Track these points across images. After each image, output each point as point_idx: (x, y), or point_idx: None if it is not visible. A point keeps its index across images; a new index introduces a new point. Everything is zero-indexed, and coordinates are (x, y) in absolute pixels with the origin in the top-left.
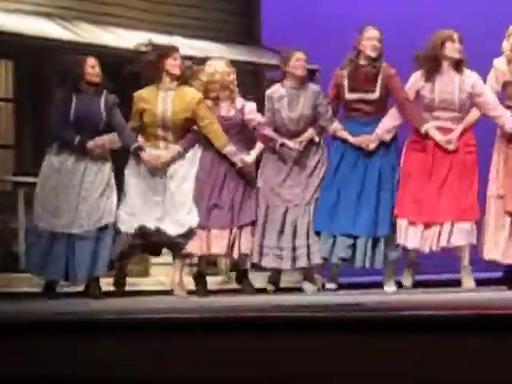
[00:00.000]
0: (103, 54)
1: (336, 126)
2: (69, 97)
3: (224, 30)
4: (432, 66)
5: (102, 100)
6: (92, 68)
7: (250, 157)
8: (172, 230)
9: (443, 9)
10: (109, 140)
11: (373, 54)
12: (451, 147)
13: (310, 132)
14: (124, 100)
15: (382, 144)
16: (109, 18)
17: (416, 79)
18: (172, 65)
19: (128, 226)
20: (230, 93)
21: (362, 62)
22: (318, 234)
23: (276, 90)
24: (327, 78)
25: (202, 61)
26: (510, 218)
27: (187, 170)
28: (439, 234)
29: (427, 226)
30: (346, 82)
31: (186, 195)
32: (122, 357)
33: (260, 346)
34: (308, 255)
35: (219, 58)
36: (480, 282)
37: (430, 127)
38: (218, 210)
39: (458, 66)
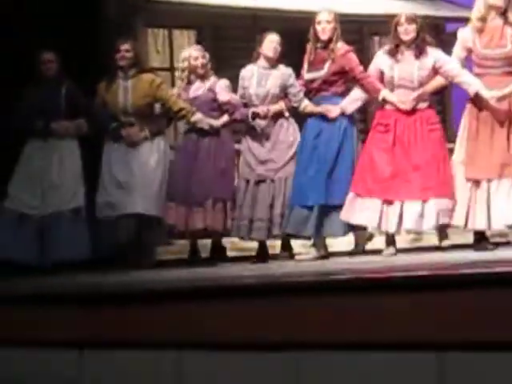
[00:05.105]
0: (281, 18)
1: (305, 104)
2: (34, 92)
3: None
4: (390, 49)
5: (63, 89)
6: (44, 64)
7: (218, 121)
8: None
9: None
10: (74, 125)
11: (323, 37)
12: (404, 106)
13: (280, 104)
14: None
15: (345, 124)
16: None
17: (378, 57)
18: (118, 57)
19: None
20: (199, 74)
21: (318, 44)
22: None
23: (249, 69)
24: None
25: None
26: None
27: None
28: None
29: (388, 202)
30: (305, 65)
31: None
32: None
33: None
34: (268, 228)
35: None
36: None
37: (386, 93)
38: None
39: (417, 46)
